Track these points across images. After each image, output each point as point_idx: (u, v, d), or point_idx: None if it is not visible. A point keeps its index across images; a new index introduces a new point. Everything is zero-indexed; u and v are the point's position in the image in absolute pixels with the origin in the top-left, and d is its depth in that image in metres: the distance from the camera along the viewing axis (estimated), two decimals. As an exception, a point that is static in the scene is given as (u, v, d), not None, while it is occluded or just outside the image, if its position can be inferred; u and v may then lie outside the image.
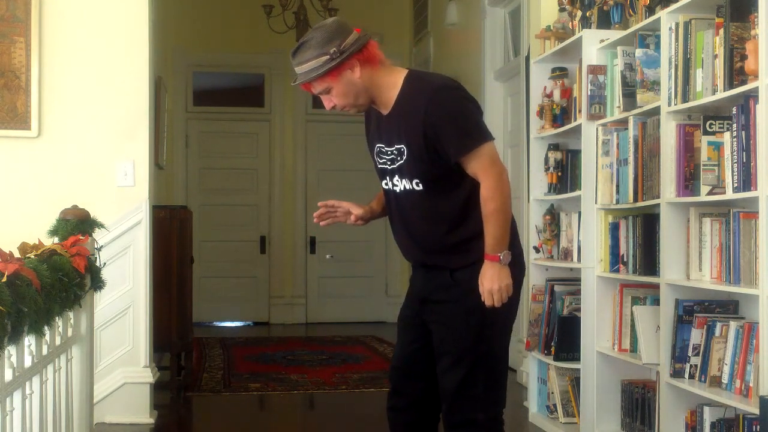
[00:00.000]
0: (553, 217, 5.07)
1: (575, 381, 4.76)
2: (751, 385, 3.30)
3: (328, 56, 2.79)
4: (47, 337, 2.83)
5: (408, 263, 3.24)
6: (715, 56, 3.50)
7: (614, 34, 4.47)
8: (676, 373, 3.75)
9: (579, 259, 4.68)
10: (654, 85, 4.09)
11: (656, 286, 3.96)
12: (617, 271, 4.34)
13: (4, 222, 4.91)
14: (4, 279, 2.31)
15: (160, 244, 5.59)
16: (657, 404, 3.96)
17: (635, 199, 4.14)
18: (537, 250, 5.17)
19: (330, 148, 10.19)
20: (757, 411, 3.12)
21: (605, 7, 4.66)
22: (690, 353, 3.69)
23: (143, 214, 5.17)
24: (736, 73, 3.38)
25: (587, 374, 4.54)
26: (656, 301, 4.02)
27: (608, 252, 4.40)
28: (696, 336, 3.67)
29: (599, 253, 4.47)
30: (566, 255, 4.92)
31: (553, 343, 4.81)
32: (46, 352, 2.88)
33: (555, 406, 4.92)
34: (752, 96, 3.25)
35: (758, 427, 3.15)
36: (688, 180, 3.73)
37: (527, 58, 5.91)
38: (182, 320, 5.97)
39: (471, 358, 2.91)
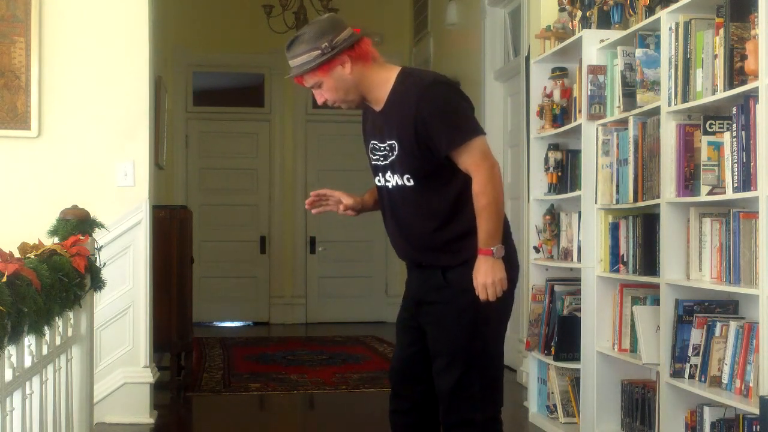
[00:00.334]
0: (553, 217, 5.07)
1: (575, 381, 4.76)
2: (751, 385, 3.30)
3: (319, 51, 2.84)
4: (47, 337, 2.83)
5: None
6: (715, 56, 3.50)
7: (614, 34, 4.47)
8: (676, 373, 3.75)
9: (579, 259, 4.68)
10: (654, 85, 4.09)
11: (656, 286, 3.96)
12: (617, 271, 4.34)
13: (4, 222, 4.91)
14: (4, 279, 2.31)
15: (160, 244, 5.59)
16: (657, 404, 3.96)
17: (635, 199, 4.14)
18: (537, 250, 5.17)
19: (330, 148, 10.19)
20: (757, 411, 3.12)
21: (605, 7, 4.66)
22: (690, 353, 3.69)
23: (143, 214, 5.17)
24: (736, 73, 3.38)
25: (587, 374, 4.54)
26: (656, 301, 4.02)
27: (608, 252, 4.40)
28: (696, 336, 3.67)
29: (599, 253, 4.47)
30: (566, 255, 4.92)
31: (553, 343, 4.81)
32: (46, 352, 2.88)
33: (555, 406, 4.92)
34: (752, 96, 3.25)
35: (758, 427, 3.15)
36: (688, 180, 3.73)
37: (527, 58, 5.91)
38: (182, 320, 5.97)
39: (465, 358, 2.92)
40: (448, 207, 2.92)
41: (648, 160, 4.05)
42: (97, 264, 3.41)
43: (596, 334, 4.47)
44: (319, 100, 2.95)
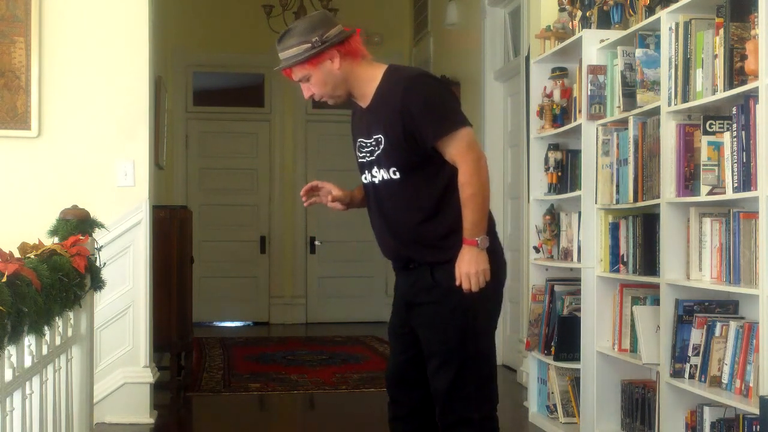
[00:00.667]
0: (553, 217, 5.07)
1: (575, 381, 4.76)
2: (751, 385, 3.30)
3: (309, 44, 2.87)
4: (47, 337, 2.83)
5: None
6: (715, 56, 3.50)
7: (614, 34, 4.47)
8: (676, 373, 3.75)
9: (579, 259, 4.68)
10: (654, 85, 4.09)
11: (656, 286, 3.96)
12: (617, 271, 4.34)
13: (4, 222, 4.91)
14: (4, 279, 2.31)
15: (160, 244, 5.59)
16: (657, 404, 3.96)
17: (635, 199, 4.14)
18: (537, 250, 5.17)
19: (330, 148, 10.18)
20: (757, 411, 3.12)
21: (605, 7, 4.66)
22: (690, 353, 3.69)
23: (143, 214, 5.17)
24: (736, 73, 3.38)
25: (587, 374, 4.54)
26: (656, 301, 4.02)
27: (608, 252, 4.40)
28: (696, 336, 3.67)
29: (599, 253, 4.47)
30: (566, 255, 4.92)
31: (553, 343, 4.81)
32: (46, 352, 2.88)
33: (555, 406, 4.92)
34: (752, 96, 3.25)
35: (758, 427, 3.15)
36: (688, 180, 3.73)
37: (527, 58, 5.91)
38: (182, 320, 5.97)
39: (459, 358, 2.93)
40: (434, 200, 2.93)
41: (648, 160, 4.05)
42: (97, 264, 3.41)
43: (596, 334, 4.47)
44: (306, 94, 2.99)
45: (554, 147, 5.03)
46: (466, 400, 2.94)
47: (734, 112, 3.35)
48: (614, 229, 4.38)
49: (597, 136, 4.44)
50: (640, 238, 4.12)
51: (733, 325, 3.49)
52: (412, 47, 9.98)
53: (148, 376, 5.17)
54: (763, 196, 3.14)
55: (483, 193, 2.88)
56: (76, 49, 5.13)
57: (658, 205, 3.93)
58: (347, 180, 3.58)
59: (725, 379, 3.48)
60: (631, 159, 4.17)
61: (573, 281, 4.81)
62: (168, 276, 5.80)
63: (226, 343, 8.41)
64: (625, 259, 4.29)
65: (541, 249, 5.16)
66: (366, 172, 3.03)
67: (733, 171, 3.36)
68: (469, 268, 2.86)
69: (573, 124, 4.80)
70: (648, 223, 4.07)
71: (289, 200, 10.21)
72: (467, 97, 7.75)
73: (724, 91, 3.42)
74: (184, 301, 6.01)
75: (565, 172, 4.98)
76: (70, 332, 3.25)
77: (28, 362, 2.67)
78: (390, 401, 3.17)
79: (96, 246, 3.49)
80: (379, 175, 2.97)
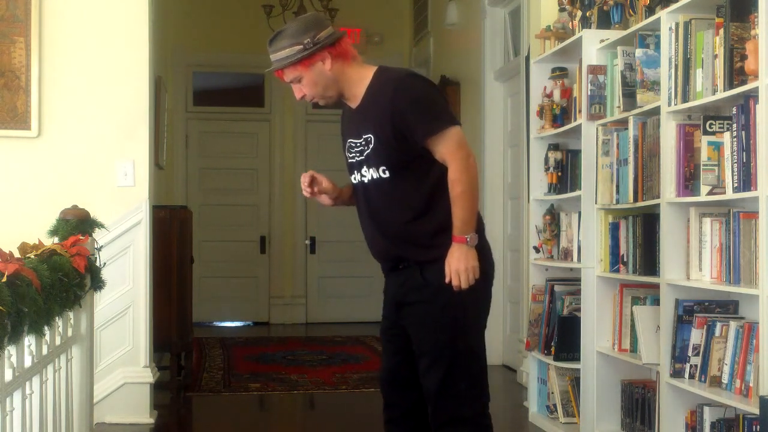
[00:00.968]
0: (553, 217, 5.07)
1: (575, 381, 4.75)
2: (751, 385, 3.30)
3: (301, 46, 2.90)
4: (47, 337, 2.83)
5: None
6: (715, 56, 3.50)
7: (614, 34, 4.47)
8: (676, 373, 3.75)
9: (579, 259, 4.68)
10: (654, 85, 4.09)
11: (656, 286, 3.96)
12: (617, 271, 4.34)
13: (4, 222, 4.91)
14: (4, 279, 2.31)
15: (160, 244, 5.59)
16: (657, 404, 3.96)
17: (635, 199, 4.14)
18: (537, 250, 5.17)
19: (330, 148, 10.15)
20: (757, 411, 3.12)
21: (605, 7, 4.66)
22: (690, 353, 3.68)
23: (143, 214, 5.17)
24: (736, 73, 3.38)
25: (587, 374, 4.54)
26: (656, 301, 4.02)
27: (608, 252, 4.40)
28: (696, 336, 3.67)
29: (599, 253, 4.47)
30: (566, 255, 4.92)
31: (553, 343, 4.81)
32: (46, 352, 2.88)
33: (555, 406, 4.92)
34: (752, 96, 3.25)
35: (758, 427, 3.15)
36: (688, 180, 3.73)
37: (527, 58, 5.91)
38: (182, 320, 5.97)
39: (449, 356, 2.94)
40: (424, 199, 2.95)
41: (648, 160, 4.05)
42: (97, 264, 3.41)
43: (596, 334, 4.47)
44: (298, 95, 3.02)
45: (554, 147, 5.03)
46: (457, 398, 2.96)
47: (734, 112, 3.36)
48: (614, 229, 4.38)
49: (597, 136, 4.44)
50: (640, 238, 4.12)
51: (733, 325, 3.49)
52: (412, 47, 9.98)
53: (148, 376, 5.17)
54: (763, 196, 3.14)
55: (472, 191, 2.91)
56: (76, 49, 5.13)
57: (658, 205, 3.93)
58: (347, 179, 3.57)
59: (725, 379, 3.48)
60: (631, 159, 4.17)
61: (573, 281, 4.81)
62: (168, 276, 5.80)
63: (226, 343, 8.41)
64: (625, 259, 4.29)
65: (541, 249, 5.16)
66: (355, 172, 3.05)
67: (733, 171, 3.36)
68: (458, 265, 2.89)
69: (573, 124, 4.80)
70: (648, 223, 4.07)
71: (289, 200, 10.21)
72: (467, 97, 7.75)
73: (724, 91, 3.42)
74: (184, 301, 6.01)
75: (565, 172, 4.98)
76: (70, 332, 3.25)
77: (28, 362, 2.67)
78: (385, 405, 3.18)
79: (96, 246, 3.49)
80: (369, 174, 2.99)
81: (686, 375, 3.70)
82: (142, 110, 5.19)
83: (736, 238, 3.39)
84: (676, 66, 3.76)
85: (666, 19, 3.83)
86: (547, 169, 5.08)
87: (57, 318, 2.93)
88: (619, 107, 4.34)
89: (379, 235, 3.03)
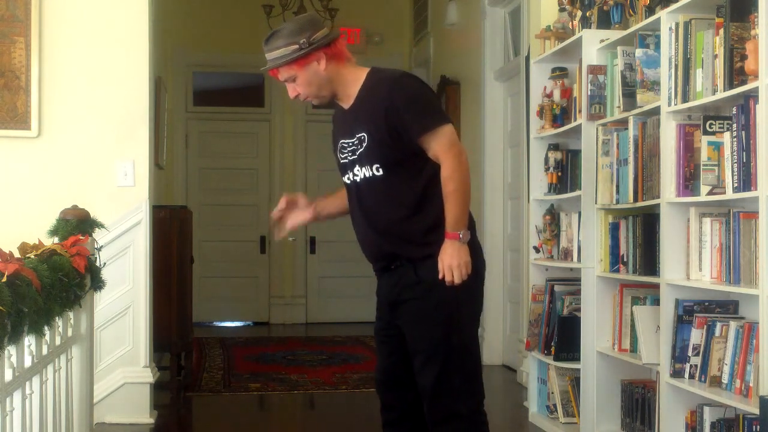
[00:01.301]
0: (553, 217, 5.07)
1: (575, 381, 4.75)
2: (751, 385, 3.30)
3: (297, 46, 2.94)
4: (47, 337, 2.83)
5: None
6: (715, 56, 3.50)
7: (614, 34, 4.47)
8: (676, 373, 3.75)
9: (579, 259, 4.68)
10: (654, 85, 4.09)
11: (656, 286, 3.96)
12: (617, 271, 4.34)
13: (4, 222, 4.91)
14: (4, 279, 2.31)
15: (160, 244, 5.59)
16: (657, 404, 3.96)
17: (635, 199, 4.14)
18: (537, 250, 5.17)
19: (330, 148, 10.13)
20: (757, 411, 3.12)
21: (605, 7, 4.66)
22: (690, 353, 3.68)
23: (143, 214, 5.17)
24: (736, 73, 3.38)
25: (587, 374, 4.54)
26: (656, 301, 4.02)
27: (608, 252, 4.40)
28: (696, 336, 3.67)
29: (599, 253, 4.47)
30: (566, 255, 4.92)
31: (553, 343, 4.81)
32: (46, 352, 2.88)
33: (555, 406, 4.92)
34: (752, 96, 3.25)
35: (758, 427, 3.15)
36: (688, 180, 3.73)
37: (527, 58, 5.91)
38: (182, 320, 5.97)
39: (443, 352, 2.96)
40: (417, 196, 2.98)
41: (648, 160, 4.05)
42: (97, 264, 3.41)
43: (596, 334, 4.47)
44: (292, 95, 3.07)
45: (554, 147, 5.03)
46: (452, 395, 2.97)
47: (734, 112, 3.36)
48: (614, 229, 4.38)
49: (597, 136, 4.44)
50: (640, 238, 4.12)
51: (733, 325, 3.49)
52: (412, 47, 9.98)
53: (148, 376, 5.17)
54: (763, 196, 3.14)
55: (465, 188, 2.95)
56: (76, 49, 5.13)
57: (658, 205, 3.93)
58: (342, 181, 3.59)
59: (725, 379, 3.48)
60: (631, 159, 4.17)
61: (573, 281, 4.81)
62: (168, 276, 5.79)
63: (226, 343, 8.41)
64: (625, 259, 4.29)
65: (541, 249, 5.16)
66: (348, 171, 3.07)
67: (733, 171, 3.36)
68: (451, 261, 2.92)
69: (573, 124, 4.80)
70: (648, 223, 4.07)
71: (289, 200, 10.19)
72: (467, 97, 7.75)
73: (724, 91, 3.42)
74: (184, 301, 6.01)
75: (565, 172, 4.98)
76: (70, 332, 3.25)
77: (28, 362, 2.67)
78: (382, 407, 3.19)
79: (96, 246, 3.49)
80: (361, 173, 3.02)
81: (686, 375, 3.70)
82: (142, 110, 5.19)
83: (736, 238, 3.39)
84: (676, 66, 3.76)
85: (666, 19, 3.83)
86: (547, 169, 5.08)
87: (57, 318, 2.93)
88: (619, 107, 4.34)
89: (373, 233, 3.05)
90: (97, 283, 3.39)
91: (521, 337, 6.04)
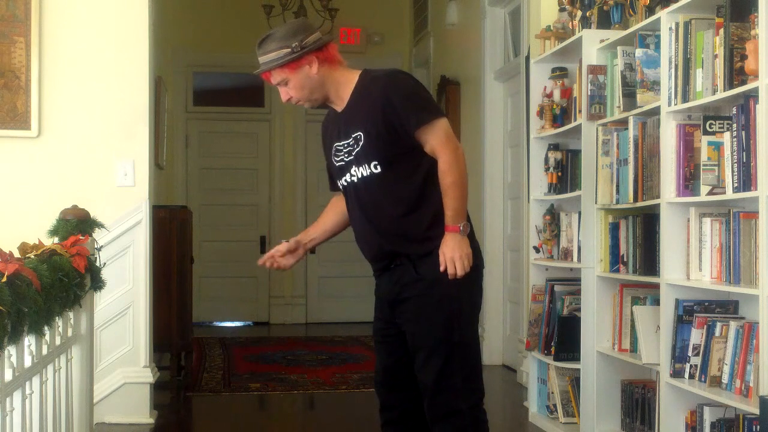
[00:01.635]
0: (553, 217, 5.07)
1: (575, 381, 4.76)
2: (751, 385, 3.30)
3: (289, 49, 2.97)
4: (47, 337, 2.83)
5: None
6: (715, 56, 3.50)
7: (614, 34, 4.47)
8: (676, 373, 3.75)
9: (579, 259, 4.68)
10: (654, 85, 4.09)
11: (656, 286, 3.96)
12: (617, 271, 4.34)
13: (4, 222, 4.91)
14: (4, 279, 2.31)
15: (160, 244, 5.59)
16: (657, 404, 3.96)
17: (635, 199, 4.14)
18: (537, 250, 5.17)
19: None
20: (757, 411, 3.12)
21: (605, 7, 4.66)
22: (690, 353, 3.68)
23: (143, 214, 5.17)
24: (736, 73, 3.38)
25: (587, 374, 4.54)
26: (656, 301, 4.02)
27: (608, 252, 4.40)
28: (696, 336, 3.67)
29: (599, 253, 4.47)
30: (566, 255, 4.92)
31: (553, 343, 4.81)
32: (46, 352, 2.88)
33: (555, 406, 4.92)
34: (752, 96, 3.25)
35: (758, 427, 3.15)
36: (688, 180, 3.73)
37: (527, 58, 5.91)
38: (182, 320, 5.97)
39: (445, 349, 2.97)
40: (415, 192, 2.99)
41: (648, 160, 4.05)
42: (97, 264, 3.41)
43: (596, 334, 4.47)
44: (284, 98, 3.09)
45: (554, 147, 5.03)
46: (453, 392, 2.98)
47: (734, 112, 3.36)
48: (614, 229, 4.38)
49: (597, 136, 4.44)
50: (640, 238, 4.11)
51: (733, 325, 3.49)
52: (412, 47, 9.98)
53: (148, 376, 5.17)
54: (763, 196, 3.14)
55: (462, 180, 2.97)
56: (76, 49, 5.13)
57: (658, 205, 3.93)
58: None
59: (725, 379, 3.48)
60: (631, 159, 4.17)
61: (573, 281, 4.81)
62: (168, 276, 5.79)
63: (226, 343, 8.41)
64: (625, 259, 4.29)
65: (541, 249, 5.16)
66: (345, 173, 3.08)
67: (733, 171, 3.36)
68: (453, 253, 2.94)
69: (573, 124, 4.80)
70: (648, 223, 4.07)
71: (289, 200, 10.21)
72: (467, 97, 7.75)
73: (724, 91, 3.42)
74: (184, 301, 6.01)
75: (565, 172, 4.98)
76: (70, 332, 3.25)
77: (28, 362, 2.67)
78: (381, 407, 3.20)
79: (96, 246, 3.49)
80: (358, 172, 3.03)
81: (686, 375, 3.70)
82: (142, 110, 5.19)
83: (736, 238, 3.39)
84: (676, 66, 3.76)
85: (666, 19, 3.83)
86: (547, 169, 5.08)
87: (57, 318, 2.93)
88: (619, 107, 4.34)
89: (373, 231, 3.06)
90: (97, 283, 3.39)
91: (521, 337, 6.04)
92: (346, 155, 3.05)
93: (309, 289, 10.34)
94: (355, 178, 3.05)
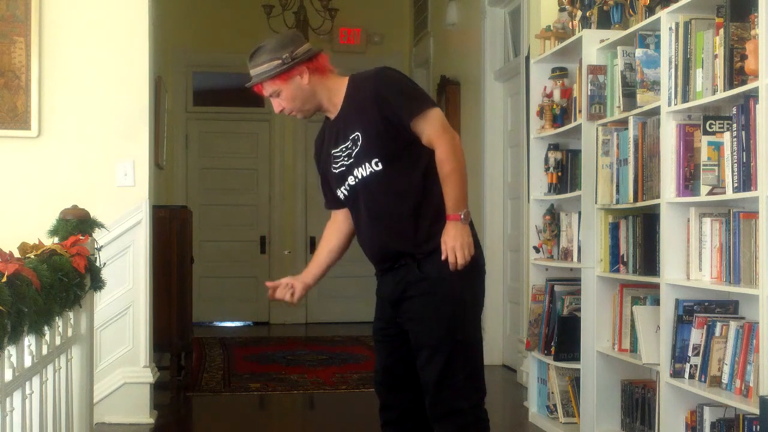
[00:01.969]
0: (553, 217, 5.07)
1: (575, 381, 4.76)
2: (751, 385, 3.30)
3: (280, 60, 3.01)
4: (47, 337, 2.83)
5: None
6: (715, 56, 3.50)
7: (614, 34, 4.47)
8: (676, 373, 3.75)
9: (579, 259, 4.68)
10: (654, 85, 4.09)
11: (656, 286, 3.96)
12: (617, 271, 4.34)
13: (4, 222, 4.91)
14: (4, 279, 2.30)
15: (160, 244, 5.59)
16: (657, 404, 3.96)
17: (635, 199, 4.14)
18: (537, 250, 5.17)
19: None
20: (757, 411, 3.12)
21: (605, 7, 4.66)
22: (690, 353, 3.68)
23: (143, 214, 5.17)
24: (736, 73, 3.38)
25: (587, 374, 4.54)
26: (656, 301, 4.02)
27: (608, 252, 4.40)
28: (696, 336, 3.67)
29: (599, 253, 4.47)
30: (566, 255, 4.92)
31: (553, 343, 4.81)
32: (46, 352, 2.88)
33: (555, 406, 4.92)
34: (752, 96, 3.25)
35: (758, 427, 3.15)
36: (688, 180, 3.73)
37: (527, 58, 5.91)
38: (182, 320, 5.97)
39: (448, 348, 2.97)
40: (417, 186, 3.00)
41: (648, 160, 4.05)
42: (97, 264, 3.41)
43: (596, 334, 4.47)
44: (277, 109, 3.11)
45: (554, 147, 5.03)
46: (455, 390, 2.98)
47: (734, 112, 3.36)
48: (614, 229, 4.38)
49: (597, 136, 4.44)
50: (640, 238, 4.11)
51: (733, 325, 3.49)
52: (412, 47, 9.98)
53: (148, 376, 5.17)
54: (763, 196, 3.14)
55: (461, 168, 2.99)
56: (76, 49, 5.13)
57: (658, 205, 3.93)
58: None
59: (725, 379, 3.48)
60: (631, 159, 4.17)
61: (573, 281, 4.81)
62: (168, 276, 5.79)
63: (226, 343, 8.41)
64: (625, 259, 4.29)
65: (541, 249, 5.16)
66: (346, 178, 3.07)
67: (733, 171, 3.36)
68: (455, 242, 2.94)
69: (573, 124, 4.80)
70: (648, 223, 4.07)
71: (289, 200, 10.21)
72: (467, 97, 7.75)
73: (724, 91, 3.42)
74: (184, 301, 6.01)
75: (565, 172, 4.98)
76: (70, 332, 3.25)
77: (28, 362, 2.66)
78: (381, 407, 3.19)
79: (96, 246, 3.49)
80: (360, 173, 3.03)
81: (686, 375, 3.70)
82: (142, 110, 5.19)
83: (736, 238, 3.39)
84: (676, 66, 3.76)
85: (666, 19, 3.83)
86: (547, 169, 5.08)
87: (57, 318, 2.93)
88: (619, 107, 4.34)
89: (380, 231, 3.05)
90: (97, 283, 3.39)
91: (521, 337, 6.04)
92: (346, 158, 3.05)
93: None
94: (356, 181, 3.05)
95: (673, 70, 3.79)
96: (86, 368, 3.44)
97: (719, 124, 3.54)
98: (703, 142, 3.57)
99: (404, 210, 3.00)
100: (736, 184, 3.34)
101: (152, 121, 5.36)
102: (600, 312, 4.46)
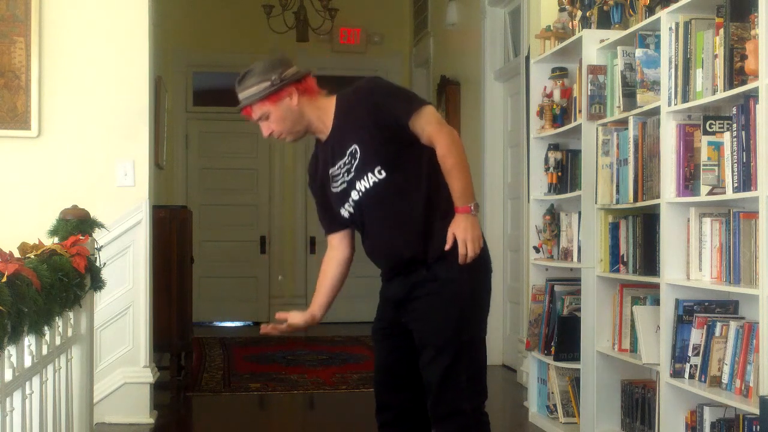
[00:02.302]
0: (553, 217, 5.07)
1: (575, 381, 4.76)
2: (751, 385, 3.30)
3: (269, 82, 3.01)
4: (47, 337, 2.83)
5: None
6: (715, 56, 3.50)
7: (614, 34, 4.47)
8: (676, 373, 3.75)
9: (579, 259, 4.68)
10: (654, 85, 4.09)
11: (656, 286, 3.96)
12: (617, 271, 4.34)
13: (4, 222, 4.91)
14: (4, 279, 2.30)
15: (160, 244, 5.59)
16: (657, 404, 3.96)
17: (635, 199, 4.14)
18: (537, 250, 5.17)
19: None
20: (757, 411, 3.12)
21: (605, 7, 4.66)
22: (690, 353, 3.69)
23: (143, 214, 5.17)
24: (736, 73, 3.38)
25: (587, 374, 4.54)
26: (656, 301, 4.02)
27: (608, 252, 4.40)
28: (696, 336, 3.67)
29: (599, 253, 4.47)
30: (566, 255, 4.92)
31: (553, 343, 4.81)
32: (46, 352, 2.88)
33: (555, 406, 4.92)
34: (752, 96, 3.25)
35: (758, 427, 3.15)
36: (688, 180, 3.73)
37: (527, 58, 5.91)
38: (182, 320, 5.97)
39: (453, 348, 2.96)
40: (423, 185, 2.99)
41: (648, 160, 4.05)
42: (97, 264, 3.41)
43: (596, 334, 4.47)
44: (265, 132, 3.09)
45: (554, 147, 5.03)
46: (458, 391, 2.97)
47: (734, 112, 3.36)
48: (614, 229, 4.38)
49: (597, 136, 4.44)
50: (640, 238, 4.11)
51: (733, 325, 3.49)
52: (412, 47, 9.98)
53: (148, 376, 5.17)
54: (763, 196, 3.14)
55: (463, 161, 2.99)
56: (76, 49, 5.13)
57: (658, 205, 3.93)
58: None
59: (725, 379, 3.48)
60: (631, 159, 4.17)
61: (573, 281, 4.81)
62: (168, 276, 5.79)
63: (226, 343, 8.41)
64: (625, 259, 4.29)
65: (541, 249, 5.16)
66: (349, 195, 3.04)
67: (733, 171, 3.36)
68: (465, 234, 2.94)
69: (573, 124, 4.80)
70: (648, 223, 4.07)
71: (289, 200, 10.21)
72: (467, 97, 7.75)
73: (724, 91, 3.42)
74: (184, 301, 6.01)
75: (565, 172, 4.98)
76: (70, 332, 3.25)
77: (28, 362, 2.67)
78: (378, 408, 3.17)
79: (96, 246, 3.49)
80: (362, 186, 3.01)
81: (686, 375, 3.70)
82: (142, 110, 5.19)
83: (736, 238, 3.39)
84: (676, 66, 3.76)
85: (666, 19, 3.83)
86: (547, 169, 5.08)
87: (57, 318, 2.92)
88: (619, 107, 4.34)
89: (393, 238, 3.02)
90: (97, 283, 3.39)
91: (521, 337, 6.04)
92: (346, 174, 3.03)
93: (309, 289, 10.33)
94: (361, 194, 3.02)
95: (673, 70, 3.79)
96: (86, 368, 3.44)
97: (719, 124, 3.54)
98: (703, 142, 3.57)
99: (414, 213, 2.99)
100: (736, 184, 3.34)
101: (152, 121, 5.36)
102: (600, 312, 4.46)
